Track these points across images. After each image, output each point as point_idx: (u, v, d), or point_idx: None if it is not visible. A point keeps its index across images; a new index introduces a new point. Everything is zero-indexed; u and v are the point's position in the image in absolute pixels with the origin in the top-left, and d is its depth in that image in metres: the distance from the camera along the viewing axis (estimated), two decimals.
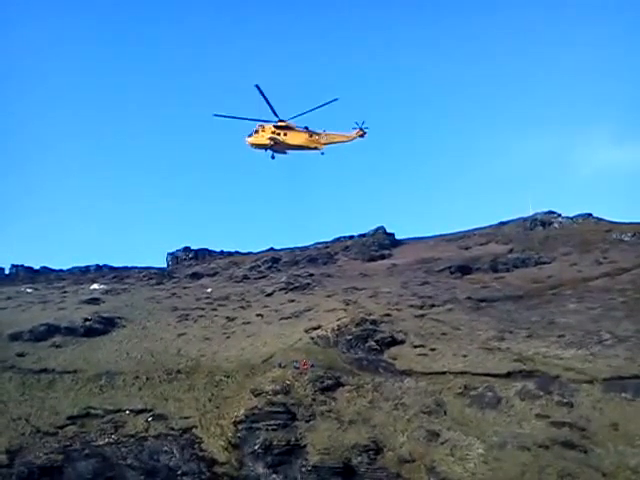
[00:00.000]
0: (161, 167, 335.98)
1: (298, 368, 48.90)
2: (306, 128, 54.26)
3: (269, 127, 53.47)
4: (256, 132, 53.86)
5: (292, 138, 53.93)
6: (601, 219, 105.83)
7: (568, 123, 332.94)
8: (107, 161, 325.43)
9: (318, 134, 54.38)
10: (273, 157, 54.94)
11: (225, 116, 49.71)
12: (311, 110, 52.03)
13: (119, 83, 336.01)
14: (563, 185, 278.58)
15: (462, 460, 38.00)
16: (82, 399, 46.62)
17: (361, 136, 54.34)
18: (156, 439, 42.20)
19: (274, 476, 40.10)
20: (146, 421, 44.02)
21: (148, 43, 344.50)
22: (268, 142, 53.68)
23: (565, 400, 42.39)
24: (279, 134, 53.38)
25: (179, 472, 39.83)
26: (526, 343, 53.79)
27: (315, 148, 54.70)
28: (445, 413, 42.75)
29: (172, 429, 43.28)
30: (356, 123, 53.99)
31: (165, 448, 41.43)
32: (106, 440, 41.85)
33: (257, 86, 47.62)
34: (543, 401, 42.58)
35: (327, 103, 51.01)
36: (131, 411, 45.08)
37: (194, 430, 43.21)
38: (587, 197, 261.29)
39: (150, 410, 45.27)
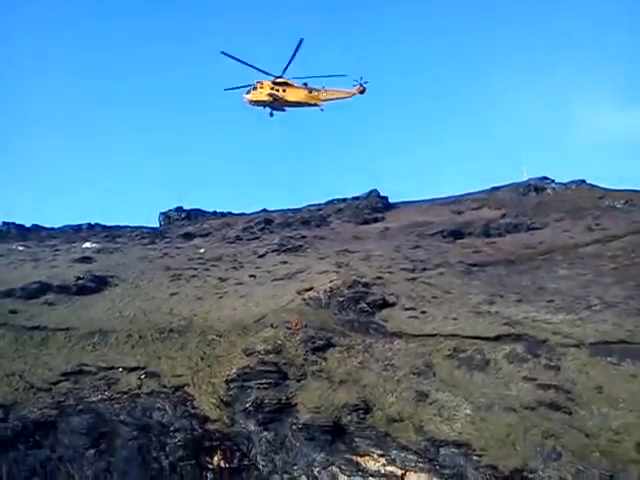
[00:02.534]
0: (155, 126, 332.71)
1: (290, 328, 49.39)
2: (305, 84, 53.48)
3: (267, 83, 52.27)
4: (254, 89, 52.66)
5: (291, 94, 52.93)
6: (594, 186, 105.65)
7: (569, 85, 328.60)
8: (100, 119, 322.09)
9: (317, 90, 53.50)
10: (272, 114, 53.93)
11: (232, 56, 48.08)
12: (315, 77, 52.25)
13: (112, 40, 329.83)
14: (559, 151, 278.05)
15: (450, 420, 38.80)
16: (75, 356, 47.01)
17: (361, 92, 53.68)
18: (149, 396, 42.76)
19: (265, 433, 40.82)
20: (139, 379, 44.53)
21: None
22: (267, 99, 52.59)
23: (552, 363, 43.14)
24: (278, 90, 52.38)
25: (171, 428, 40.50)
26: (516, 307, 54.45)
27: (315, 104, 53.91)
28: (434, 374, 43.44)
29: (164, 387, 43.84)
30: (356, 79, 53.41)
31: (158, 405, 42.02)
32: (99, 396, 42.42)
33: (302, 39, 46.63)
34: (530, 364, 43.30)
35: (334, 76, 51.79)
36: (124, 369, 45.56)
37: (186, 388, 43.79)
38: (583, 163, 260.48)
39: (143, 368, 45.77)
